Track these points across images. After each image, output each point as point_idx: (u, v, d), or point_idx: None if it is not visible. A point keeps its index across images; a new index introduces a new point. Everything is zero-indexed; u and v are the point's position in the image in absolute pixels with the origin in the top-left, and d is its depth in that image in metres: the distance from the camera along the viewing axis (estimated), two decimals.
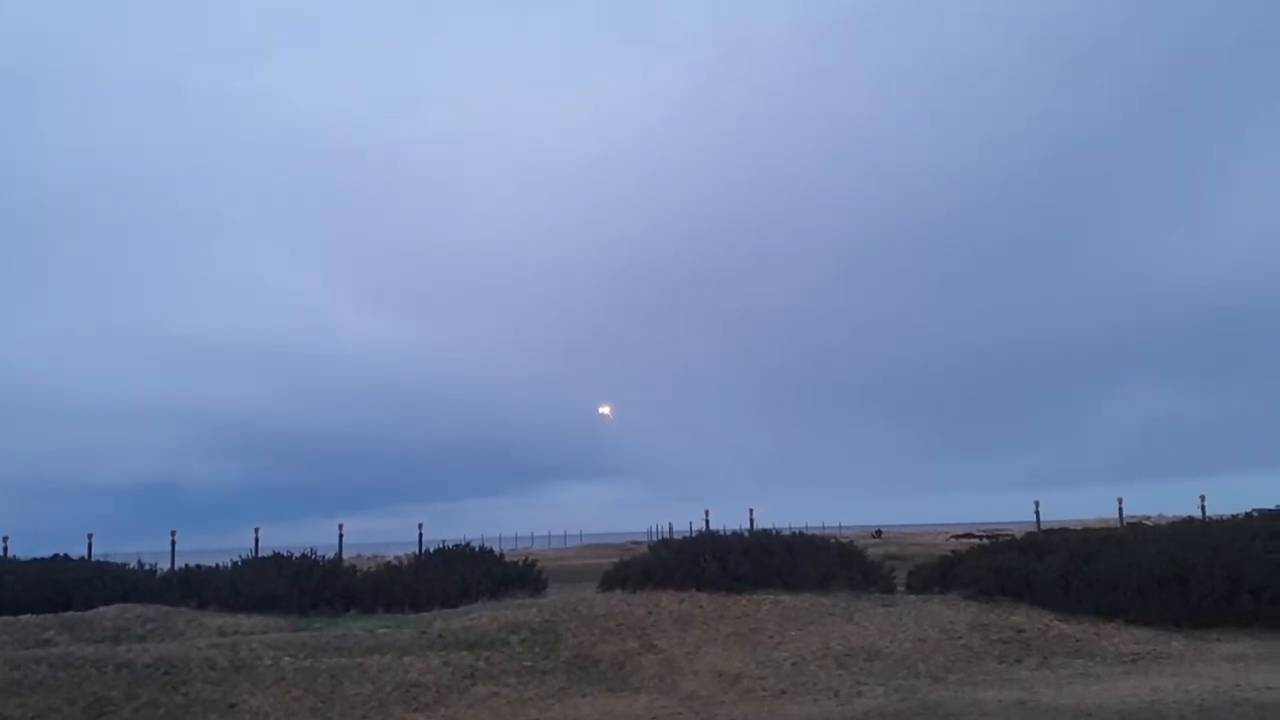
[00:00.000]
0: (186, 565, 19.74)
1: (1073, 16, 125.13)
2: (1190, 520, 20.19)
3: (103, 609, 15.83)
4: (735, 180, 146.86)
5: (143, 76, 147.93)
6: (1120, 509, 29.83)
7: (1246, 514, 18.57)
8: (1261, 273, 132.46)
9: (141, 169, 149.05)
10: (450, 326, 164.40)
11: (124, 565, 20.35)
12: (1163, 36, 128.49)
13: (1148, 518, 27.91)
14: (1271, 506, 19.89)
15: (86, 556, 22.89)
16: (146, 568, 20.61)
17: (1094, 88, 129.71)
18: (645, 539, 49.79)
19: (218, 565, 19.30)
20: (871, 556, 20.09)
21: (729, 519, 27.82)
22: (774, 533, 18.83)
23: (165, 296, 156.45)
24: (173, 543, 26.94)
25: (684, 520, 41.28)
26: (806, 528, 31.55)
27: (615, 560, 20.00)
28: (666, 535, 36.74)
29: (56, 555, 20.99)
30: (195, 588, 17.53)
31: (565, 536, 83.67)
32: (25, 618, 15.14)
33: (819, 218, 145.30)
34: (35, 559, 20.26)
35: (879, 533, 63.15)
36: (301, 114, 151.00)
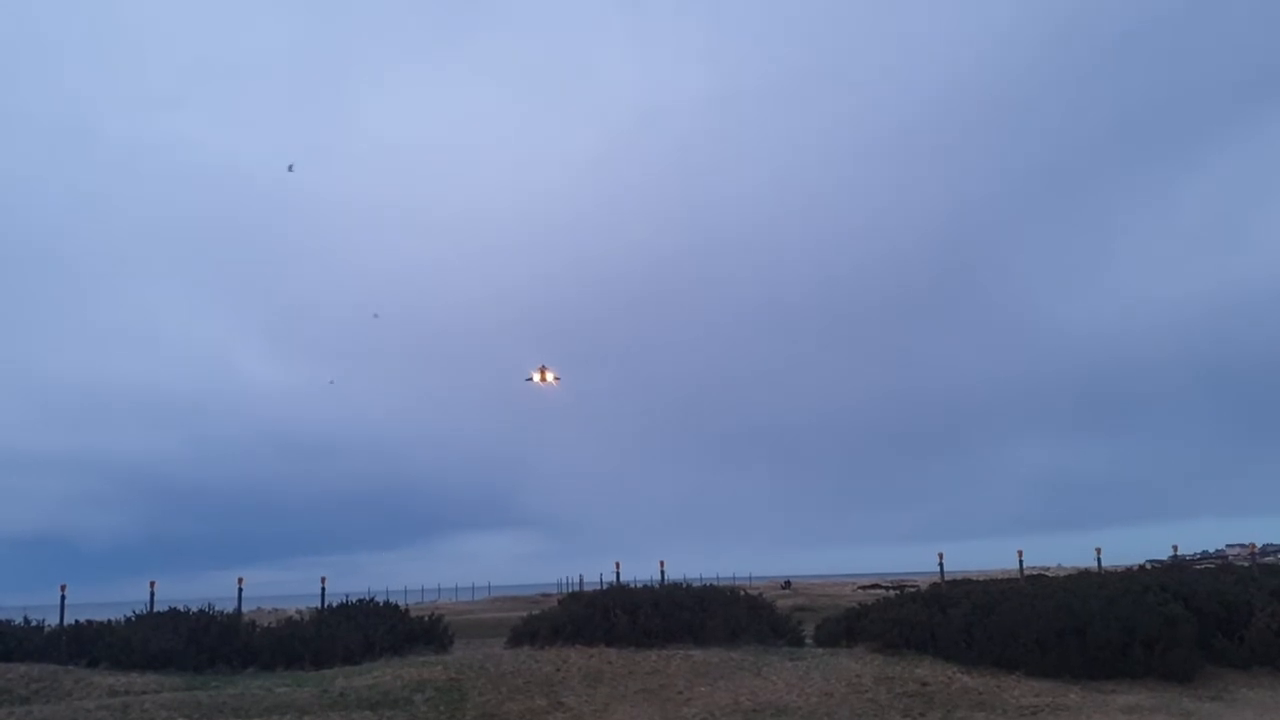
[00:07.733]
0: (76, 621, 19.03)
1: (958, 96, 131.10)
2: (1087, 572, 20.68)
3: None
4: (639, 235, 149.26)
5: (57, 117, 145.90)
6: (1020, 561, 30.59)
7: (1140, 566, 19.13)
8: (1144, 332, 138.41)
9: (43, 211, 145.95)
10: (352, 377, 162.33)
11: (8, 622, 19.54)
12: (1041, 114, 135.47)
13: (1048, 569, 28.55)
14: (1163, 558, 20.57)
15: None
16: (33, 624, 19.81)
17: (984, 156, 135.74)
18: (556, 590, 49.44)
19: (109, 621, 18.66)
20: (781, 608, 20.20)
21: (640, 570, 27.79)
22: (684, 585, 18.83)
23: (61, 342, 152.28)
24: (62, 597, 25.90)
25: (595, 571, 41.12)
26: (718, 579, 31.79)
27: (524, 614, 19.81)
28: (577, 587, 36.58)
29: None
30: (85, 645, 16.91)
31: (473, 589, 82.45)
32: None
33: (722, 275, 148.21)
34: None
35: (788, 584, 63.50)
36: (211, 164, 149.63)
